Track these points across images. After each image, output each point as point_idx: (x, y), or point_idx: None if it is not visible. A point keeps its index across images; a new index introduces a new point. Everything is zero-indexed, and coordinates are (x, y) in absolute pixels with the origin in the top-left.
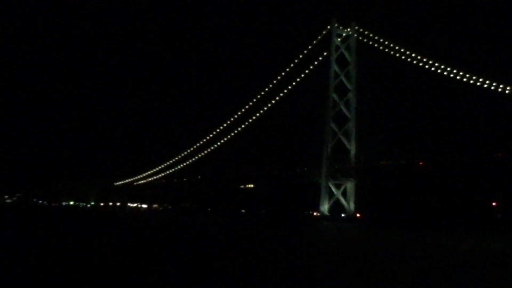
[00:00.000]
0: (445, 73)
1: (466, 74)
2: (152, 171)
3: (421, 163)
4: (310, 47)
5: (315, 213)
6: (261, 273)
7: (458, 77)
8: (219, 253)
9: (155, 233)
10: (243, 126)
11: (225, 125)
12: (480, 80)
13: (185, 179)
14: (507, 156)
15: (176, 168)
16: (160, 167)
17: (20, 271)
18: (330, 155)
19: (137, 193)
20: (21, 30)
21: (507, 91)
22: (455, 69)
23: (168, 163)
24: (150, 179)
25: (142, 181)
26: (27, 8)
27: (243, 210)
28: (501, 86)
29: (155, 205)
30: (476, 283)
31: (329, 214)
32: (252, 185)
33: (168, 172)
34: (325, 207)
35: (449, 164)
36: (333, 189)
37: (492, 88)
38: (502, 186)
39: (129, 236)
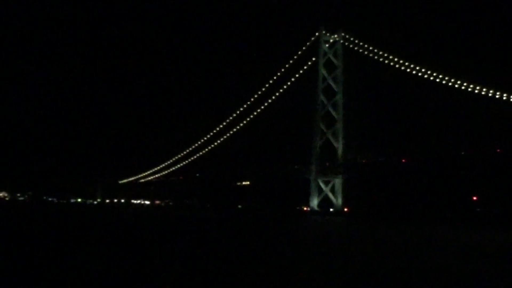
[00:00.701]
0: (426, 75)
1: (445, 77)
2: (154, 170)
3: (403, 160)
4: (299, 52)
5: (305, 208)
6: (256, 260)
7: (438, 79)
8: (215, 244)
9: (155, 227)
10: (238, 127)
11: (221, 126)
12: (458, 82)
13: (181, 177)
14: (486, 153)
15: (176, 167)
16: (161, 166)
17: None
18: (319, 153)
19: (140, 190)
20: (21, 29)
21: (482, 91)
22: (435, 71)
23: (169, 162)
24: (151, 177)
25: (144, 179)
26: (27, 8)
27: (239, 206)
28: (477, 87)
29: (157, 202)
30: (453, 272)
31: (318, 209)
32: (248, 182)
33: (169, 170)
34: (314, 202)
35: (431, 161)
36: (322, 185)
37: (470, 89)
38: (481, 182)
39: (131, 230)
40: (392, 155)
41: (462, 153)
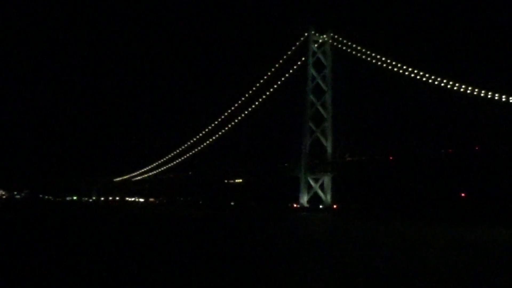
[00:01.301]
0: (413, 75)
1: (433, 76)
2: (148, 168)
3: (391, 158)
4: (289, 52)
5: (295, 205)
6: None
7: (424, 79)
8: (209, 242)
9: (148, 223)
10: (230, 125)
11: (214, 124)
12: (444, 80)
13: (171, 175)
14: (474, 152)
15: (170, 165)
16: (155, 164)
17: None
18: (308, 151)
19: (135, 188)
20: (20, 29)
21: (467, 90)
22: (422, 71)
23: (162, 160)
24: (145, 175)
25: (139, 177)
26: (27, 7)
27: (232, 203)
28: (463, 86)
29: (151, 199)
30: (437, 264)
31: (308, 206)
32: (240, 180)
33: (163, 168)
34: (304, 199)
35: (417, 159)
36: (312, 182)
37: (456, 88)
38: (469, 179)
39: (126, 227)
40: (380, 153)
41: (448, 151)
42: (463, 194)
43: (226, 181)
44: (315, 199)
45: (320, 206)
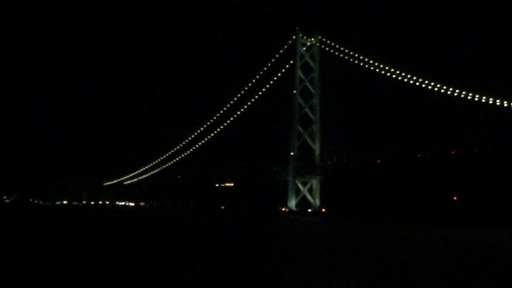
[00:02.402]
0: (400, 77)
1: (421, 79)
2: (138, 172)
3: (378, 161)
4: (277, 55)
5: (283, 209)
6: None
7: (412, 81)
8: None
9: (139, 227)
10: (219, 129)
11: (203, 127)
12: (431, 83)
13: (156, 178)
14: (464, 153)
15: (160, 168)
16: (145, 168)
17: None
18: (296, 154)
19: (125, 192)
20: (19, 28)
21: (454, 93)
22: (411, 74)
23: (152, 163)
24: (135, 179)
25: (129, 181)
26: (26, 7)
27: (222, 207)
28: (451, 89)
29: (141, 203)
30: (426, 265)
31: (296, 209)
32: (232, 184)
33: (153, 172)
34: (292, 203)
35: (404, 161)
36: (300, 186)
37: (443, 91)
38: (462, 182)
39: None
40: (368, 156)
41: (433, 153)
42: (455, 198)
43: (217, 185)
44: (303, 202)
45: (309, 210)
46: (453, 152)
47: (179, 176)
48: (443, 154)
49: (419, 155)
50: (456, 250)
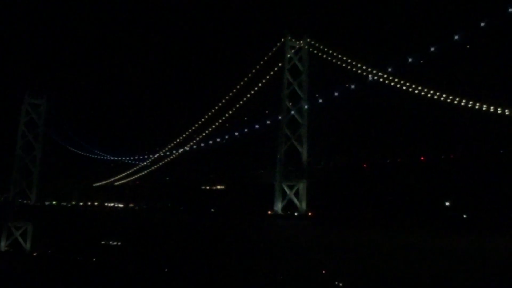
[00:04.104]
0: (387, 81)
1: (411, 84)
2: (127, 173)
3: (364, 165)
4: (265, 58)
5: (269, 212)
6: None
7: (399, 85)
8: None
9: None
10: (207, 131)
11: (192, 129)
12: (419, 88)
13: (137, 182)
14: (457, 158)
15: (149, 170)
16: (135, 169)
17: None
18: (283, 158)
19: (115, 193)
20: (18, 28)
21: (448, 99)
22: (399, 78)
23: (142, 164)
24: (125, 180)
25: (118, 182)
26: (26, 7)
27: (212, 210)
28: (444, 95)
29: (131, 205)
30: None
31: (282, 213)
32: (223, 186)
33: (142, 173)
34: (278, 207)
35: (390, 166)
36: (286, 189)
37: (434, 96)
38: (454, 187)
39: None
40: (355, 160)
41: (421, 158)
42: (447, 203)
43: (207, 187)
44: (290, 206)
45: (295, 213)
46: (452, 157)
47: (167, 178)
48: (433, 159)
49: (407, 160)
50: (446, 257)
